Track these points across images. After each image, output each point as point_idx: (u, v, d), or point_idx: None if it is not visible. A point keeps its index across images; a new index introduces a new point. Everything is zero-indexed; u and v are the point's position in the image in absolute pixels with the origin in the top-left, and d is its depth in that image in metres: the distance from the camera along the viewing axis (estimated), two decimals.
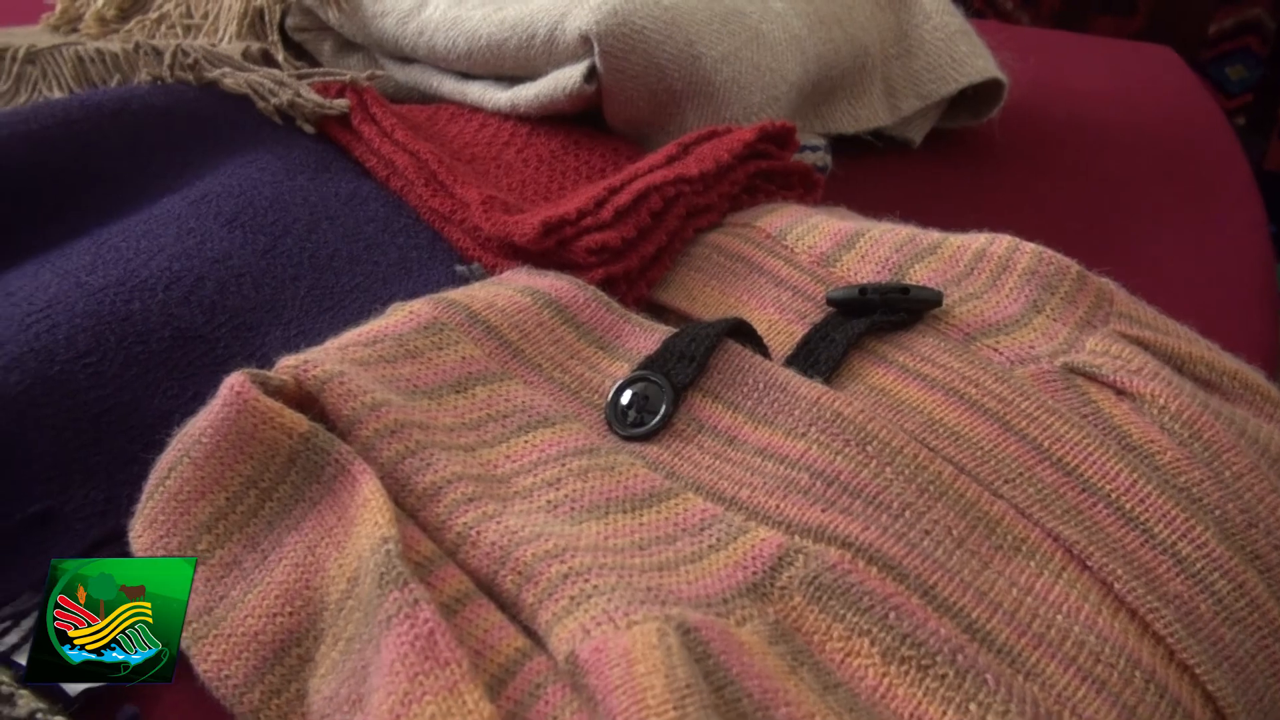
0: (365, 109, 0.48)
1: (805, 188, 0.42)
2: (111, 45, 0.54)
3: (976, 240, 0.35)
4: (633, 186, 0.37)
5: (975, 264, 0.34)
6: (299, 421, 0.26)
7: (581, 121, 0.51)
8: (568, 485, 0.26)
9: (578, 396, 0.30)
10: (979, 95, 0.57)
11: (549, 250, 0.36)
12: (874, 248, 0.35)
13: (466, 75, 0.55)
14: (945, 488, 0.26)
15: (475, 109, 0.54)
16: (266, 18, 0.61)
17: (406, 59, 0.59)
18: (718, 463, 0.28)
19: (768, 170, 0.41)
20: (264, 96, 0.48)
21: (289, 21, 0.63)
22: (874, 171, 0.54)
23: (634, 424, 0.29)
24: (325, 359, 0.28)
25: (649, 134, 0.50)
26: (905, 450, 0.27)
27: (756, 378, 0.29)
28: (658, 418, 0.29)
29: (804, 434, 0.27)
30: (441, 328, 0.30)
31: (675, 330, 0.31)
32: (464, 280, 0.37)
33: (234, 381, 0.26)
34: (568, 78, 0.47)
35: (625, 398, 0.30)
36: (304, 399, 0.27)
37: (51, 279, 0.34)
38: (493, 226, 0.37)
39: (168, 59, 0.47)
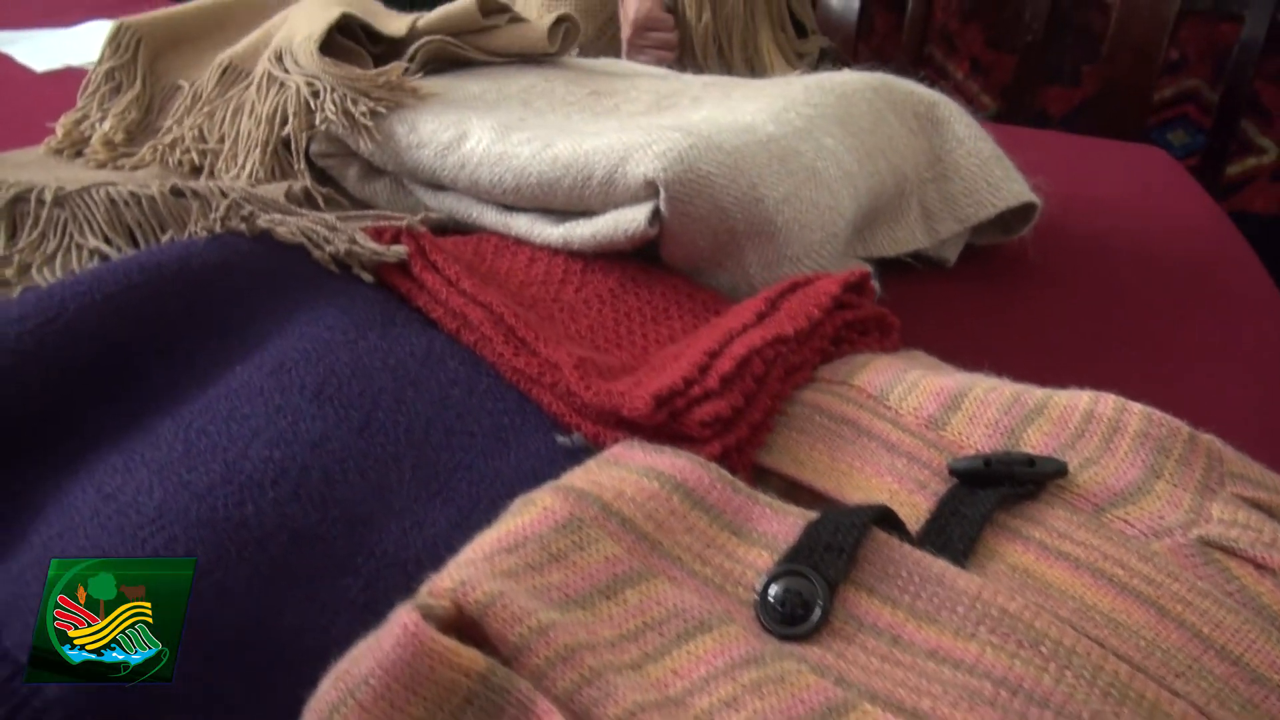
0: (424, 255, 0.48)
1: (882, 332, 0.43)
2: (146, 187, 0.53)
3: (1081, 399, 0.36)
4: (733, 351, 0.37)
5: (1085, 426, 0.35)
6: (476, 660, 0.25)
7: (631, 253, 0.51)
8: (747, 705, 0.26)
9: (723, 591, 0.30)
10: (1008, 212, 0.58)
11: (660, 423, 0.35)
12: (981, 409, 0.36)
13: (509, 206, 0.55)
14: (1125, 689, 0.26)
15: (521, 241, 0.54)
16: (294, 146, 0.61)
17: (440, 187, 0.59)
18: (887, 666, 0.27)
19: (850, 319, 0.42)
20: (319, 245, 0.47)
21: (313, 148, 0.62)
22: (910, 291, 0.55)
23: (788, 621, 0.29)
24: (480, 577, 0.27)
25: (705, 269, 0.50)
26: (1079, 649, 0.27)
27: (910, 569, 0.29)
28: (814, 616, 0.28)
29: (973, 634, 0.27)
30: (579, 525, 0.30)
31: (813, 517, 0.31)
32: (569, 452, 0.37)
33: (407, 620, 0.25)
34: (630, 220, 0.47)
35: (773, 592, 0.29)
36: (461, 622, 0.26)
37: (149, 478, 0.33)
38: (596, 397, 0.36)
39: (220, 209, 0.46)
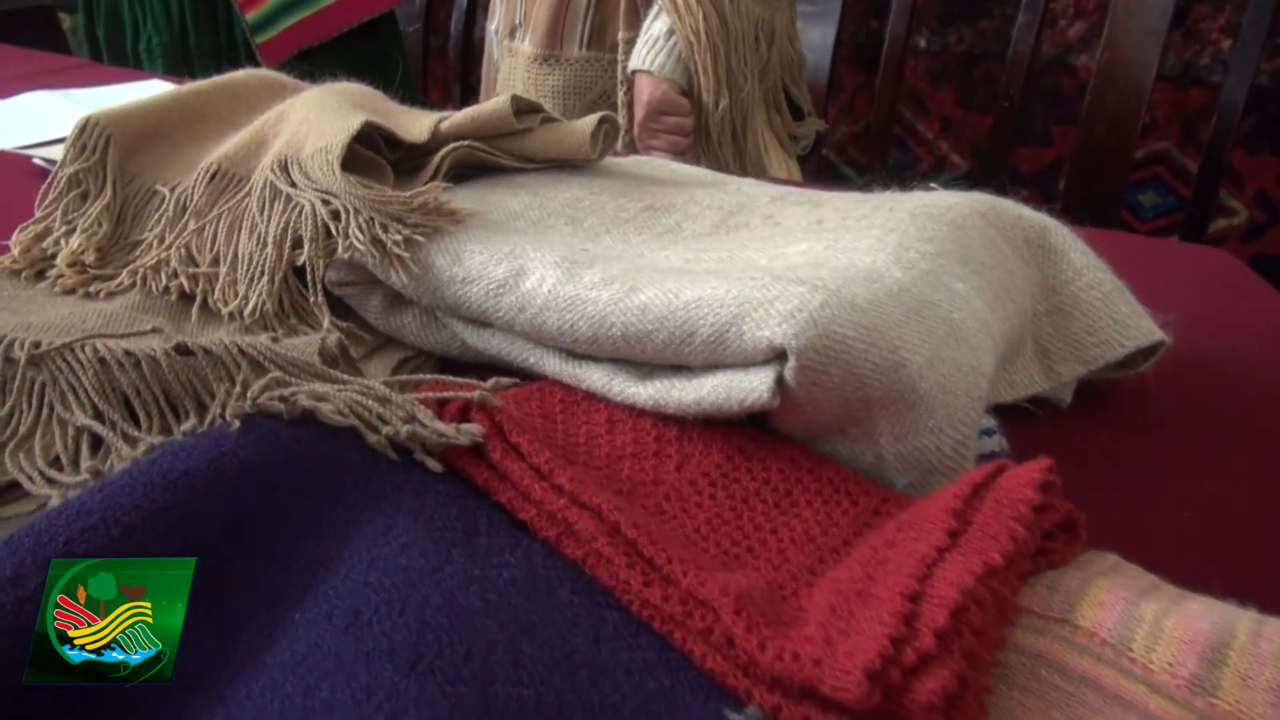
0: (503, 437, 0.39)
1: (1069, 535, 0.36)
2: (144, 342, 0.44)
3: None
4: (940, 593, 0.30)
5: None
6: None
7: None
8: None
9: None
10: None
11: (873, 706, 0.28)
12: (1254, 665, 0.29)
13: (574, 353, 0.47)
14: None
15: (592, 395, 0.46)
16: (311, 276, 0.52)
17: (483, 323, 0.51)
18: None
19: (1046, 528, 0.35)
20: (374, 426, 0.39)
21: (330, 275, 0.54)
22: (1031, 438, 0.48)
23: None
24: None
25: (823, 436, 0.43)
26: None
27: None
28: None
29: None
30: None
31: None
32: None
33: None
34: (748, 390, 0.40)
35: None
36: None
37: None
38: (779, 664, 0.29)
39: (255, 389, 0.37)
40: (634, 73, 0.92)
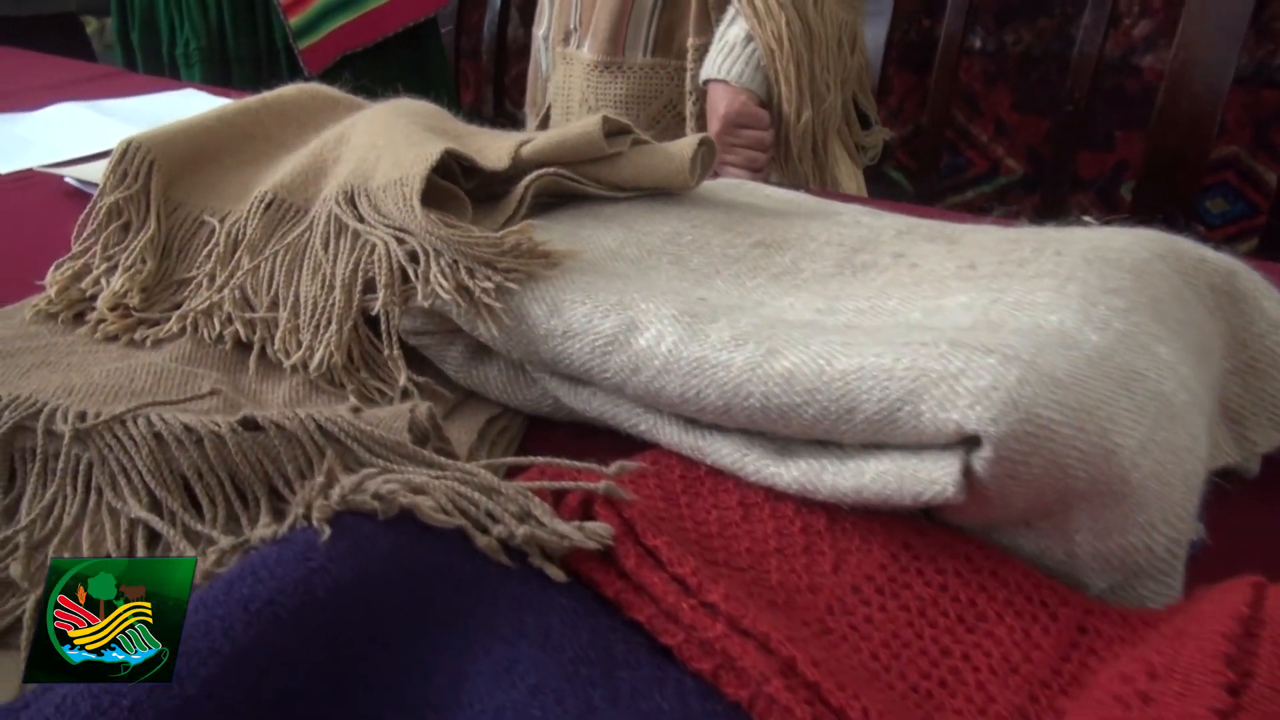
0: (635, 538, 0.33)
1: None
2: (204, 412, 0.38)
3: None
4: None
5: None
6: None
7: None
8: None
9: None
10: None
11: None
12: None
13: (696, 421, 0.41)
14: None
15: (715, 470, 0.40)
16: (386, 325, 0.46)
17: (583, 382, 0.44)
18: None
19: None
20: (483, 525, 0.33)
21: (404, 323, 0.47)
22: (1218, 519, 0.42)
23: None
24: None
25: (1000, 529, 0.36)
26: None
27: None
28: None
29: None
30: None
31: None
32: None
33: None
34: (928, 482, 0.33)
35: None
36: None
37: None
38: None
39: (345, 486, 0.31)
40: (707, 82, 0.86)
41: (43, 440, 0.38)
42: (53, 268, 0.55)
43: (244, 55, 1.33)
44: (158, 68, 1.38)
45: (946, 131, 1.88)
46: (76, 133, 0.95)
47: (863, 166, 1.11)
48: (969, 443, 0.33)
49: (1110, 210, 1.80)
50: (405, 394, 0.46)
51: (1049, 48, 1.76)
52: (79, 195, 0.80)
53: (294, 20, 1.30)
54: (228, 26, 1.31)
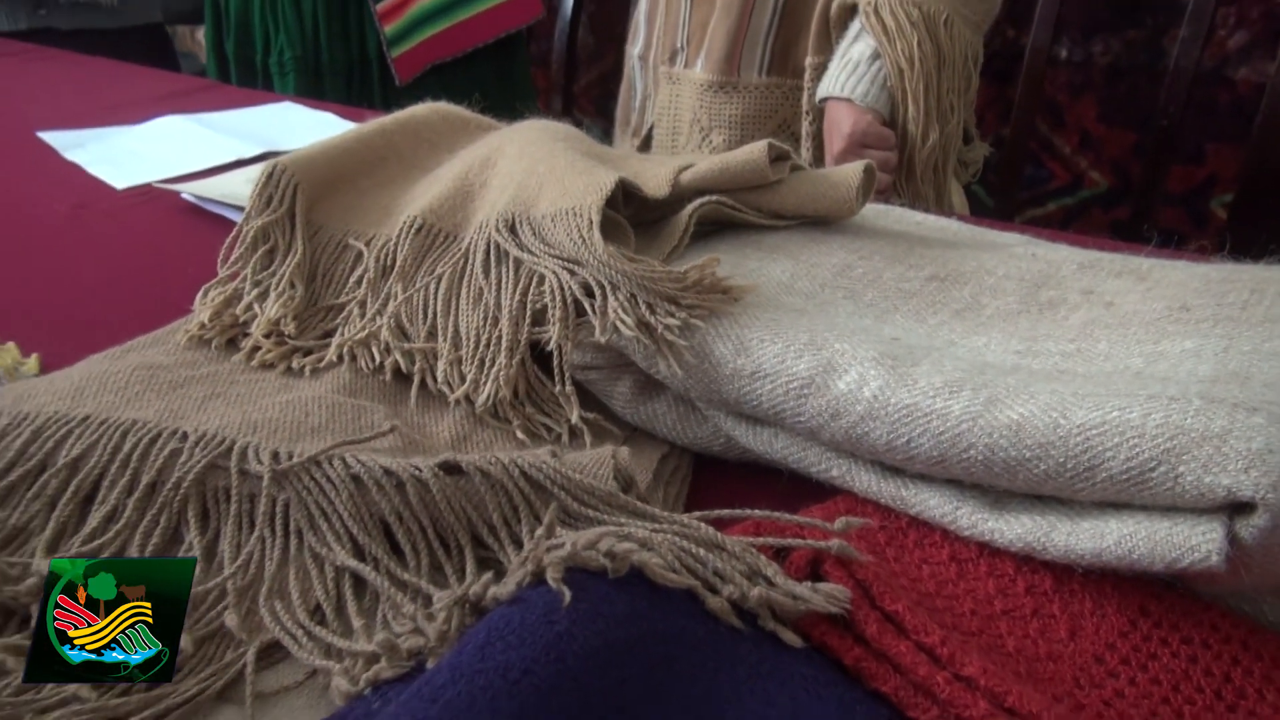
0: (872, 601, 0.31)
1: None
2: (408, 462, 0.36)
3: None
4: None
5: None
6: None
7: None
8: None
9: None
10: None
11: None
12: None
13: (898, 470, 0.39)
14: None
15: (920, 522, 0.38)
16: (559, 360, 0.45)
17: (760, 421, 0.43)
18: None
19: None
20: (713, 586, 0.31)
21: (573, 357, 0.46)
22: None
23: None
24: None
25: (1250, 596, 0.34)
26: None
27: None
28: None
29: None
30: None
31: None
32: None
33: None
34: (1186, 548, 0.31)
35: None
36: None
37: None
38: None
39: (581, 542, 0.30)
40: (826, 100, 0.84)
41: (237, 480, 0.37)
42: (201, 293, 0.55)
43: (337, 65, 1.34)
44: (250, 77, 1.39)
45: (1029, 144, 1.85)
46: (184, 146, 0.95)
47: (964, 183, 1.08)
48: (1235, 507, 0.31)
49: (1197, 224, 1.75)
50: (573, 431, 0.45)
51: (1137, 59, 1.72)
52: (196, 211, 0.80)
53: (389, 28, 1.30)
54: (322, 36, 1.32)
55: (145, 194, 0.84)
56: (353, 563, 0.34)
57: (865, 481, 0.40)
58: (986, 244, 0.53)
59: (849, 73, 0.81)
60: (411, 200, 0.59)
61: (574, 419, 0.45)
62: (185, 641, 0.31)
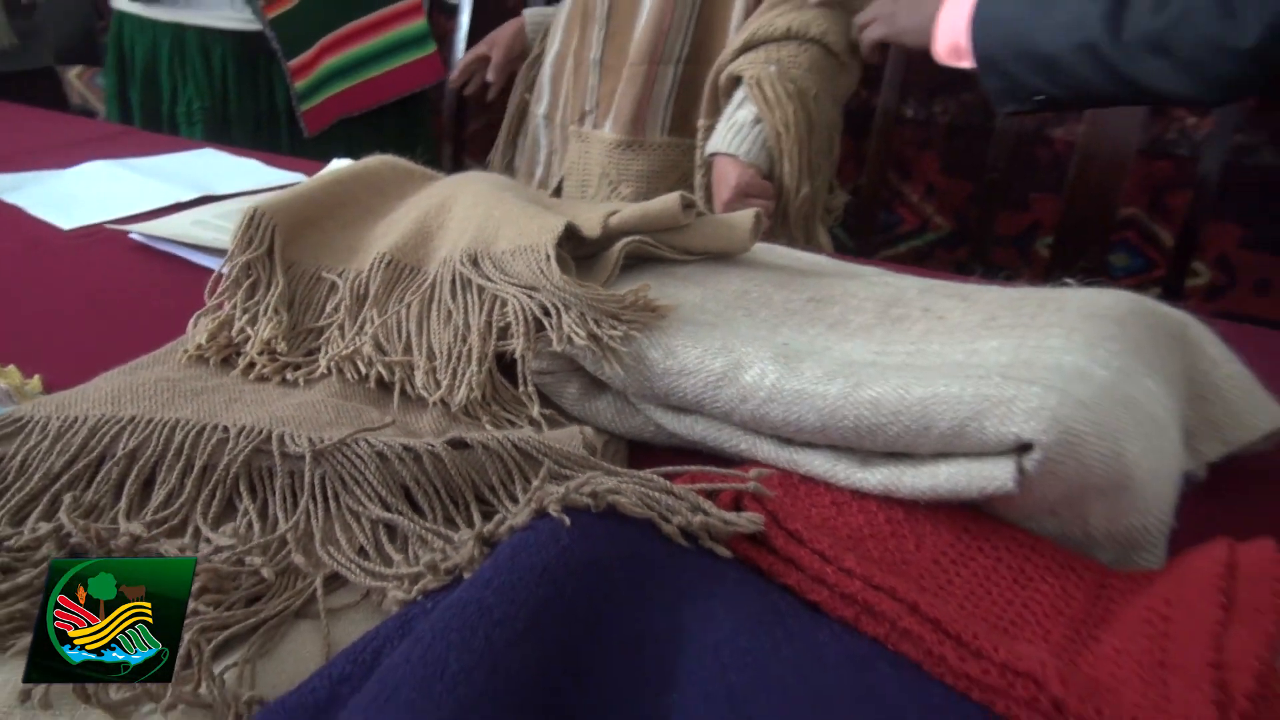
0: (778, 523, 0.44)
1: None
2: (421, 440, 0.47)
3: None
4: (1241, 664, 0.35)
5: None
6: None
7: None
8: None
9: None
10: None
11: None
12: None
13: (790, 440, 0.52)
14: None
15: (809, 479, 0.51)
16: (522, 367, 0.56)
17: (683, 410, 0.55)
18: None
19: None
20: (665, 516, 0.43)
21: (533, 364, 0.57)
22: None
23: None
24: None
25: (1035, 516, 0.48)
26: None
27: None
28: None
29: None
30: None
31: None
32: None
33: None
34: (990, 479, 0.45)
35: None
36: None
37: None
38: None
39: (573, 485, 0.41)
40: (713, 156, 0.98)
41: (280, 460, 0.46)
42: (193, 320, 0.63)
43: (245, 115, 1.40)
44: (156, 124, 1.44)
45: (881, 192, 2.06)
46: (118, 190, 1.02)
47: (829, 226, 1.25)
48: (1022, 449, 0.44)
49: (1026, 263, 2.00)
50: (533, 423, 0.56)
51: (972, 119, 1.95)
52: (146, 250, 0.87)
53: (299, 84, 1.38)
54: (231, 87, 1.38)
55: (94, 234, 0.90)
56: (386, 514, 0.44)
57: (766, 451, 0.52)
58: (849, 273, 0.68)
59: (734, 133, 0.96)
60: (375, 240, 0.69)
61: (534, 414, 0.55)
62: (267, 572, 0.40)
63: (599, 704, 0.35)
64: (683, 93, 1.04)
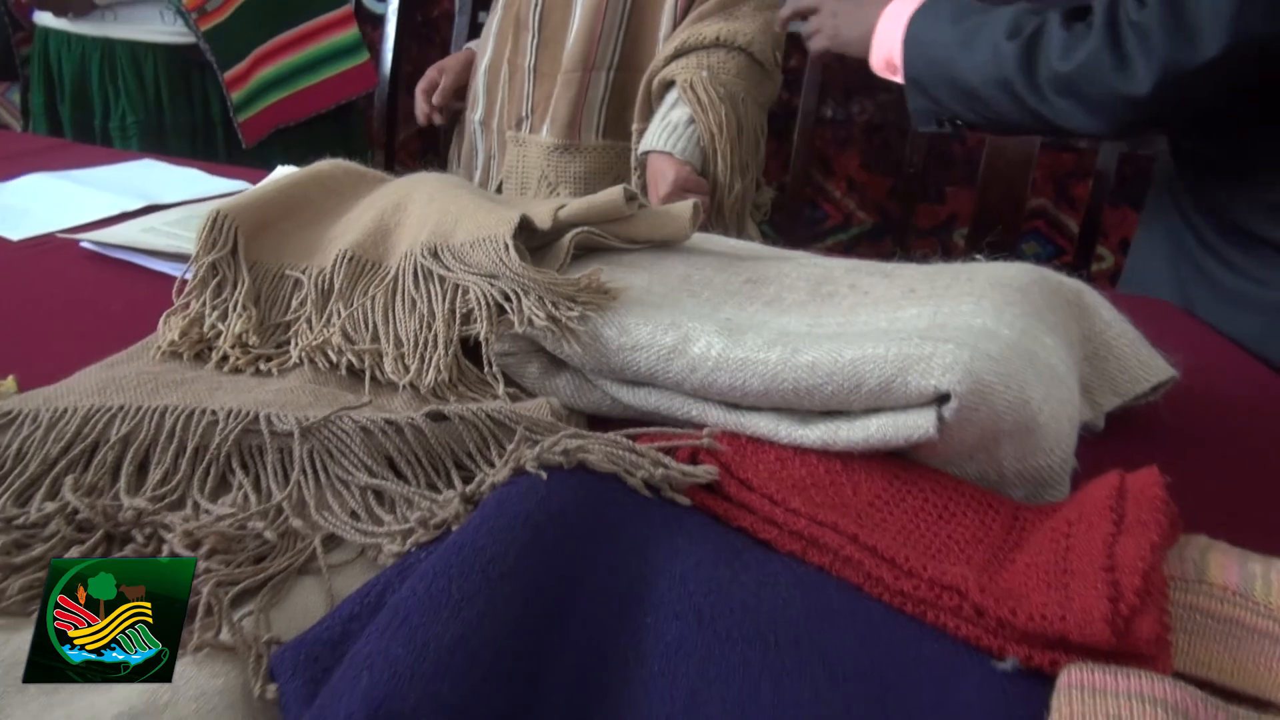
0: (731, 473, 0.49)
1: (1172, 522, 0.48)
2: (402, 415, 0.51)
3: None
4: (1128, 564, 0.41)
5: None
6: None
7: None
8: None
9: None
10: None
11: (1109, 645, 0.38)
12: None
13: (736, 405, 0.57)
14: None
15: (755, 440, 0.56)
16: (486, 349, 0.60)
17: (636, 383, 0.60)
18: None
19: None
20: (630, 471, 0.48)
21: (496, 347, 0.61)
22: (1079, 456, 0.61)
23: None
24: None
25: (954, 461, 0.54)
26: None
27: None
28: None
29: None
30: None
31: None
32: (1008, 677, 0.39)
33: None
34: (914, 427, 0.51)
35: None
36: None
37: None
38: (1033, 623, 0.39)
39: (545, 445, 0.46)
40: (648, 154, 1.03)
41: (269, 438, 0.50)
42: (163, 317, 0.66)
43: (181, 127, 1.41)
44: (89, 139, 1.43)
45: (805, 189, 2.14)
46: (63, 201, 1.02)
47: (758, 222, 1.31)
48: (940, 400, 0.50)
49: (945, 253, 2.10)
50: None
51: (889, 117, 2.05)
52: (98, 258, 0.89)
53: (235, 95, 1.40)
54: (165, 100, 1.39)
55: (44, 244, 0.91)
56: (373, 481, 0.48)
57: (715, 416, 0.57)
58: (782, 257, 0.73)
59: (669, 133, 1.02)
60: (334, 238, 0.72)
61: (500, 393, 0.60)
62: (269, 534, 0.44)
63: (583, 624, 0.39)
64: (615, 98, 1.09)
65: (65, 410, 0.52)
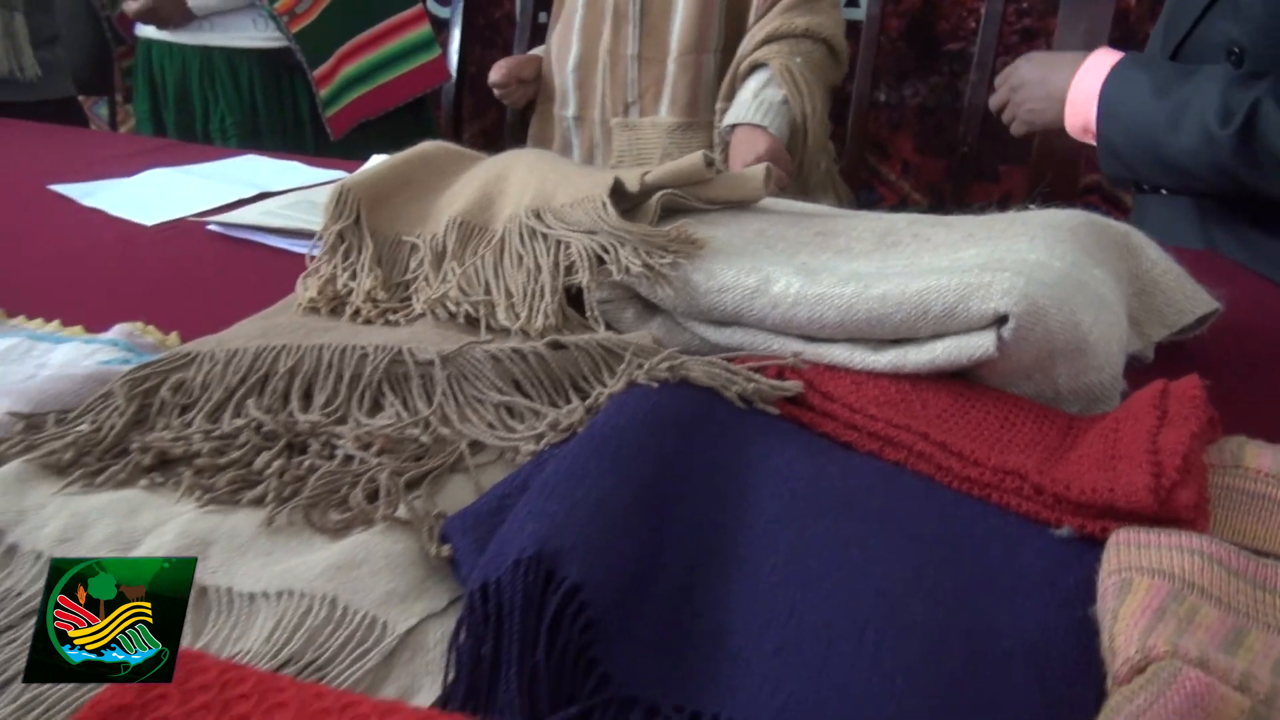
0: (814, 388, 0.56)
1: (1213, 423, 0.54)
2: (525, 343, 0.59)
3: None
4: (1170, 448, 0.47)
5: None
6: (1243, 702, 0.33)
7: None
8: None
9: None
10: None
11: (1153, 512, 0.45)
12: None
13: (813, 338, 0.64)
14: None
15: (831, 366, 0.63)
16: (588, 295, 0.67)
17: (722, 323, 0.67)
18: None
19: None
20: (726, 386, 0.55)
21: (596, 295, 0.69)
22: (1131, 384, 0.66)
23: None
24: (1169, 637, 0.35)
25: (1013, 380, 0.60)
26: None
27: None
28: None
29: None
30: (1182, 596, 0.39)
31: None
32: (1064, 542, 0.46)
33: (1196, 679, 0.33)
34: (977, 347, 0.57)
35: None
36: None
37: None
38: (1085, 495, 0.46)
39: (653, 363, 0.53)
40: (738, 126, 1.14)
41: (413, 366, 0.58)
42: (301, 279, 0.75)
43: (274, 125, 1.52)
44: (190, 140, 1.55)
45: (861, 173, 2.19)
46: (183, 191, 1.12)
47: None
48: (999, 322, 0.57)
49: None
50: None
51: (941, 100, 2.09)
52: (223, 239, 0.98)
53: (323, 91, 1.50)
54: (259, 102, 1.50)
55: (174, 228, 1.01)
56: (504, 397, 0.56)
57: (795, 349, 0.64)
58: (846, 215, 0.80)
59: (765, 109, 1.12)
60: (442, 208, 0.80)
61: (601, 334, 0.67)
62: (426, 438, 0.52)
63: (695, 498, 0.47)
64: (719, 77, 1.21)
65: (237, 350, 0.61)
